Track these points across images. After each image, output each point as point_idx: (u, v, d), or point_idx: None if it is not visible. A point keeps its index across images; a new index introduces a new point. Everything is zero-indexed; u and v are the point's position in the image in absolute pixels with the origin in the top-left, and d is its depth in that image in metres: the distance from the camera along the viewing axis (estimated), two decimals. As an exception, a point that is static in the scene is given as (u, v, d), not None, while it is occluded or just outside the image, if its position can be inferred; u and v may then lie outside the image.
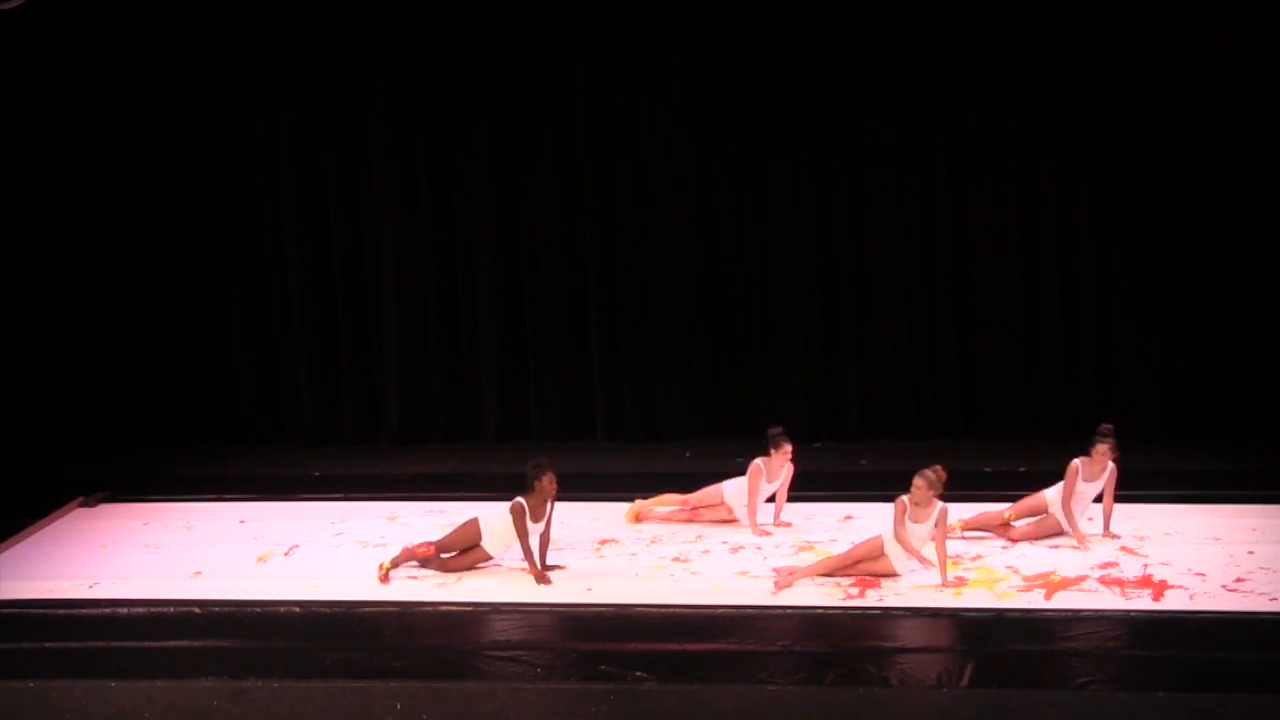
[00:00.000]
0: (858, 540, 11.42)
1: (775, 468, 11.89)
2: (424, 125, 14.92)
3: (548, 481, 10.91)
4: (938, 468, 10.71)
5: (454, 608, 10.66)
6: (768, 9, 14.31)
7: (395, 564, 11.12)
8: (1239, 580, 10.53)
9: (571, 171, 14.86)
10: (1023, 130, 14.19)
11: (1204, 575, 10.64)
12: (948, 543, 10.72)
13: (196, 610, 10.76)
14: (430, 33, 14.74)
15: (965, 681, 9.10)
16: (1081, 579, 10.65)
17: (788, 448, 11.86)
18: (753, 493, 11.89)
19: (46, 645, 10.22)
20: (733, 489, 12.06)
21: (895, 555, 10.67)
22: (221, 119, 15.04)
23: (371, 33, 14.75)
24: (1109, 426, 11.53)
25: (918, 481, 10.61)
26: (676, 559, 11.48)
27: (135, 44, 14.93)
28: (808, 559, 11.17)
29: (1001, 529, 11.56)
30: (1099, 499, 11.54)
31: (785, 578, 10.70)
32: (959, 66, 14.23)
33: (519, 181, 14.94)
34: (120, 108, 15.07)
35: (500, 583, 11.07)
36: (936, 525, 10.61)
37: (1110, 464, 11.44)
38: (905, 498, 10.65)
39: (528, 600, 10.73)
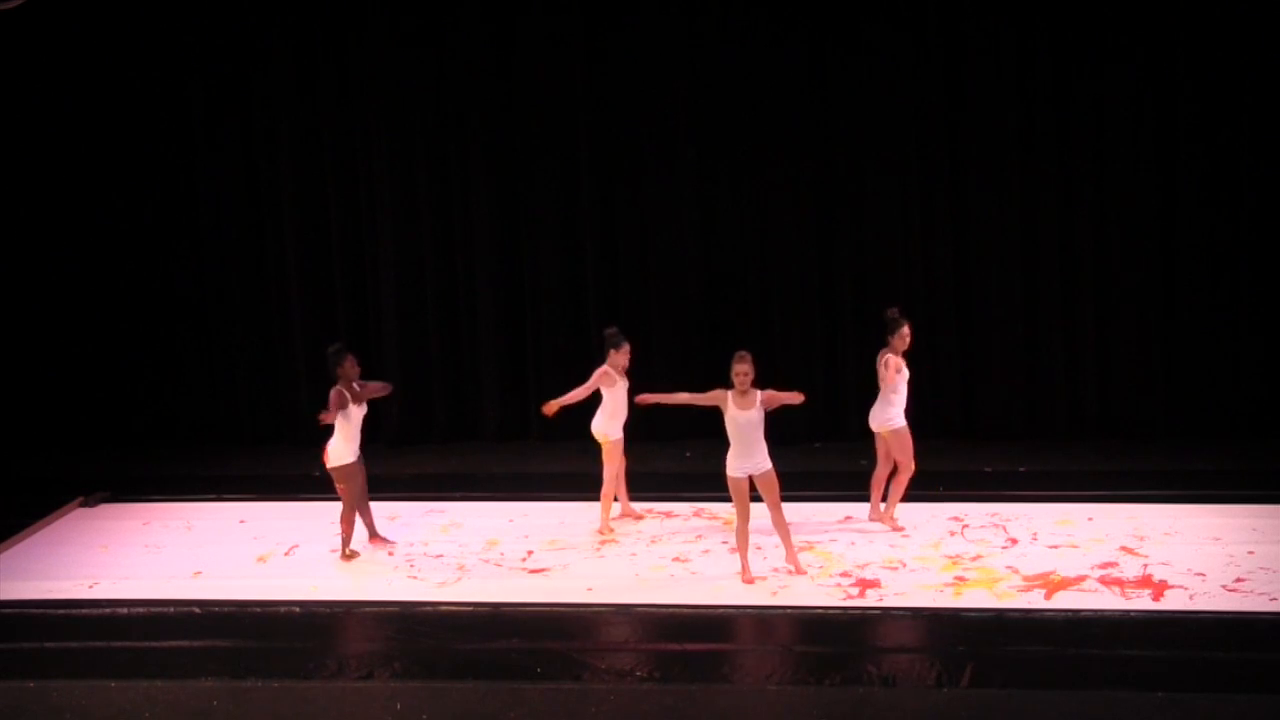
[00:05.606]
0: (857, 540, 11.55)
1: (618, 365, 12.13)
2: (424, 125, 14.92)
3: (349, 365, 11.51)
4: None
5: (454, 608, 10.68)
6: (771, 17, 14.30)
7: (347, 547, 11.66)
8: (1239, 580, 10.53)
9: (572, 172, 14.85)
10: (1023, 130, 14.18)
11: (1204, 575, 10.64)
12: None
13: (196, 610, 10.78)
14: (431, 34, 14.74)
15: (965, 682, 9.10)
16: (1081, 579, 10.65)
17: (626, 347, 12.13)
18: (588, 388, 12.11)
19: (46, 645, 10.24)
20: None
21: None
22: (221, 120, 15.04)
23: (372, 34, 14.76)
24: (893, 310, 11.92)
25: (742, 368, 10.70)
26: (676, 559, 11.48)
27: (137, 45, 14.97)
28: (808, 559, 11.18)
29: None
30: None
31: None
32: (959, 67, 14.22)
33: (519, 182, 14.94)
34: (118, 103, 15.07)
35: (500, 583, 11.09)
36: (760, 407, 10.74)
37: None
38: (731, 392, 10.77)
39: (528, 600, 10.75)
